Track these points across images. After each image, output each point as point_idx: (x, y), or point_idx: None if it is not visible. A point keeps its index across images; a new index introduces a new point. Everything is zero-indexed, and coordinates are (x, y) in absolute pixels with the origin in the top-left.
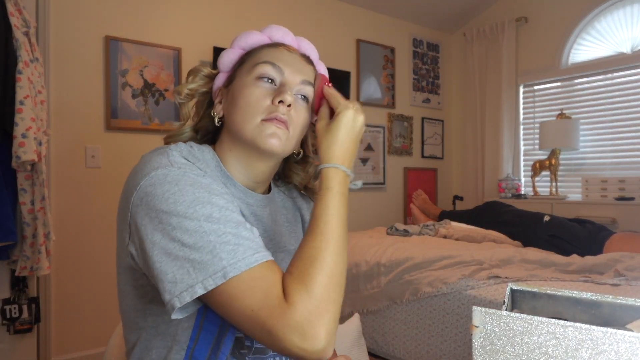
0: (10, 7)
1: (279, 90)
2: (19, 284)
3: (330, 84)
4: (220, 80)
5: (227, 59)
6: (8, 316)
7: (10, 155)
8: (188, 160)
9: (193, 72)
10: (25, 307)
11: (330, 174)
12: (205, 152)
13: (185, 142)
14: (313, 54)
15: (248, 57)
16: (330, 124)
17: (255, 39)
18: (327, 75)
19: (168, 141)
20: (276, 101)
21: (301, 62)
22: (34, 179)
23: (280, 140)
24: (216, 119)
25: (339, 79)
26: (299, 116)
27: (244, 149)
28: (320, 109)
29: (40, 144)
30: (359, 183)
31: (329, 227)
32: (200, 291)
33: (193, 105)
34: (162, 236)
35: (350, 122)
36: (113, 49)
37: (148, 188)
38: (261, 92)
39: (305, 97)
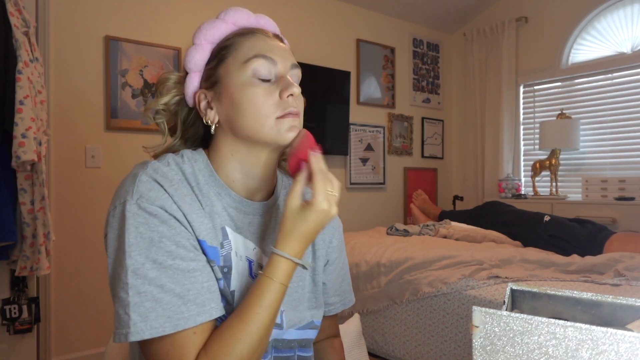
0: (10, 7)
1: (282, 83)
2: (18, 284)
3: (318, 149)
4: (193, 82)
5: (198, 58)
6: (8, 316)
7: (10, 155)
8: (159, 184)
9: (161, 84)
10: (25, 307)
11: (280, 263)
12: (197, 162)
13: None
14: (275, 30)
15: (227, 52)
16: (301, 210)
17: (221, 29)
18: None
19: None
20: (285, 95)
21: (280, 44)
22: (34, 179)
23: (297, 129)
24: (212, 127)
25: (339, 79)
26: (301, 102)
27: (253, 149)
28: (297, 175)
29: (40, 144)
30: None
31: (257, 318)
32: (117, 339)
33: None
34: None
35: (321, 217)
36: (113, 48)
37: (109, 220)
38: (265, 90)
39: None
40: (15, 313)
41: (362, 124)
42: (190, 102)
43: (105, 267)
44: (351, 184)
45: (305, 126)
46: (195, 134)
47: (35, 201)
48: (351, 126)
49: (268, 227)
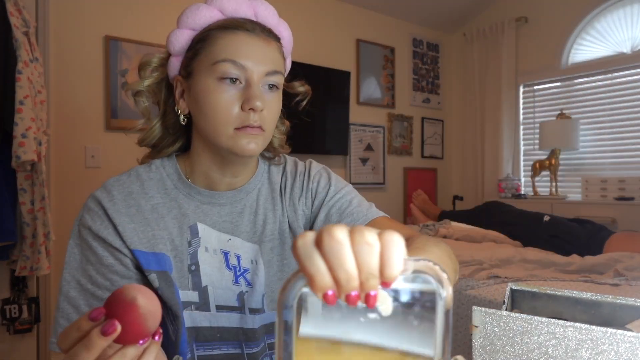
0: (10, 7)
1: (246, 94)
2: (18, 284)
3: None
4: (174, 65)
5: (177, 43)
6: (8, 316)
7: (10, 155)
8: (99, 201)
9: (144, 66)
10: (25, 307)
11: None
12: (166, 168)
13: (156, 142)
14: (272, 18)
15: (202, 45)
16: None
17: (204, 16)
18: (291, 41)
19: (141, 146)
20: (246, 108)
21: (263, 44)
22: (34, 178)
23: (257, 144)
24: (181, 117)
25: (339, 79)
26: (271, 112)
27: (217, 152)
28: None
29: (40, 143)
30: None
31: None
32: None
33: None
34: None
35: None
36: (113, 48)
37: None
38: (228, 97)
39: (273, 85)
40: (15, 313)
41: (362, 124)
42: (172, 83)
43: None
44: (351, 184)
45: (305, 126)
46: (175, 123)
47: (35, 201)
48: (351, 126)
49: (241, 215)
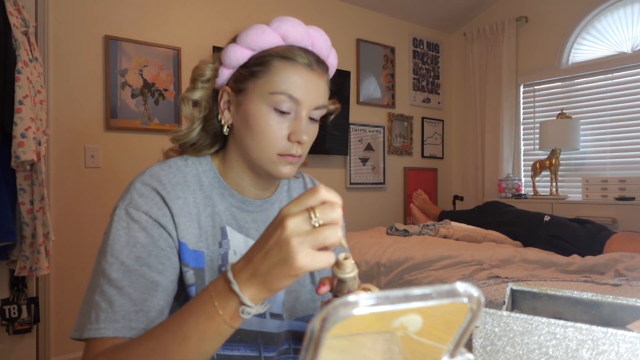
0: (9, 7)
1: (295, 126)
2: (18, 284)
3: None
4: (224, 76)
5: (234, 58)
6: (7, 316)
7: (9, 155)
8: (152, 187)
9: (198, 77)
10: (24, 307)
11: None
12: (202, 165)
13: (194, 143)
14: (326, 50)
15: (262, 70)
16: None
17: (267, 39)
18: (335, 65)
19: (174, 143)
20: (293, 139)
21: (318, 79)
22: (33, 178)
23: (294, 169)
24: (225, 128)
25: (339, 79)
26: (310, 141)
27: (253, 169)
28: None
29: (39, 143)
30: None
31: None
32: (72, 334)
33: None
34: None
35: (278, 257)
36: (112, 48)
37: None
38: (278, 125)
39: (314, 118)
40: (14, 313)
41: (362, 123)
42: (219, 92)
43: None
44: (351, 184)
45: None
46: (216, 129)
47: (34, 201)
48: (351, 126)
49: (266, 224)
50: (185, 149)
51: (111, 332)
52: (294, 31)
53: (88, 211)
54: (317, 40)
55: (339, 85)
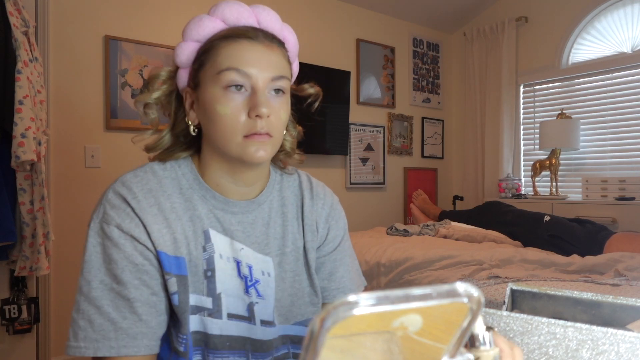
0: (10, 7)
1: (252, 101)
2: (18, 284)
3: None
4: (182, 77)
5: (183, 55)
6: (7, 316)
7: (9, 155)
8: (123, 197)
9: (152, 79)
10: (24, 307)
11: None
12: (182, 167)
13: (166, 149)
14: (275, 24)
15: (207, 56)
16: None
17: (207, 27)
18: (296, 44)
19: (149, 153)
20: (253, 115)
21: (266, 50)
22: (33, 178)
23: (266, 151)
24: (191, 128)
25: (339, 78)
26: (278, 117)
27: (227, 161)
28: None
29: (39, 143)
30: None
31: None
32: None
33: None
34: None
35: None
36: (112, 48)
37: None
38: (234, 105)
39: (280, 90)
40: (14, 313)
41: (362, 123)
42: (181, 94)
43: None
44: (351, 183)
45: (303, 126)
46: (186, 131)
47: (34, 201)
48: (351, 126)
49: (253, 226)
50: (162, 154)
51: (92, 352)
52: (233, 11)
53: (88, 211)
54: (262, 16)
55: (339, 85)
